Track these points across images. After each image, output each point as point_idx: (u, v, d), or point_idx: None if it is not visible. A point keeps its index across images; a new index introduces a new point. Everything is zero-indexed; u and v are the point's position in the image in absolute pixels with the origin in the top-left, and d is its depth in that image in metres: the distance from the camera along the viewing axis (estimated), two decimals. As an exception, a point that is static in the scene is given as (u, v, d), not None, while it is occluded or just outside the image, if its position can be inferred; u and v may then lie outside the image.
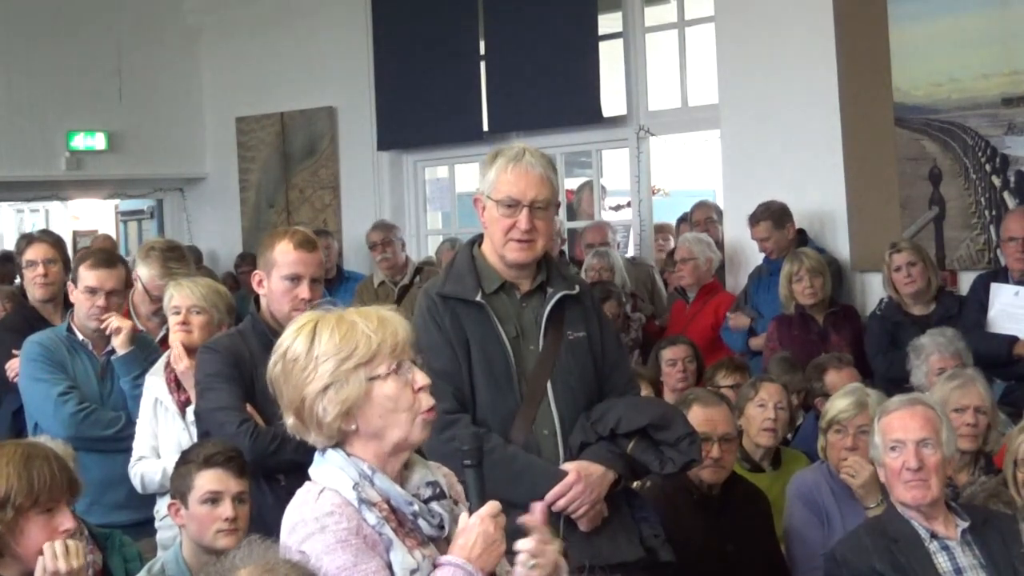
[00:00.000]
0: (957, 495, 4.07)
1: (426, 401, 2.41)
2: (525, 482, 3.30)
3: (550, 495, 3.31)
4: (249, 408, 3.65)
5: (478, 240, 3.58)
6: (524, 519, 2.50)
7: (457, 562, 2.35)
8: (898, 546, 3.58)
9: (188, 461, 3.56)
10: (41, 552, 2.82)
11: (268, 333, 3.74)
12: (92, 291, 4.60)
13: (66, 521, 2.86)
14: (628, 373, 3.73)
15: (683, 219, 8.57)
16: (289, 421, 2.44)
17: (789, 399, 5.02)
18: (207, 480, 3.48)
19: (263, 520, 3.34)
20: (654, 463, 3.43)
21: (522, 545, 2.44)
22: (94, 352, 4.66)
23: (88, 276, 4.62)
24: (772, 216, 6.85)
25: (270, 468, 3.57)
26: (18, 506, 2.81)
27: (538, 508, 2.57)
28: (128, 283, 4.82)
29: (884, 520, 3.74)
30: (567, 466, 3.36)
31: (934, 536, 3.60)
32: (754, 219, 6.90)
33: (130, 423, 4.43)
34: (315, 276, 3.84)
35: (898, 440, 3.65)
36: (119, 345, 4.58)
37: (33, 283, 5.28)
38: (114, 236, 12.54)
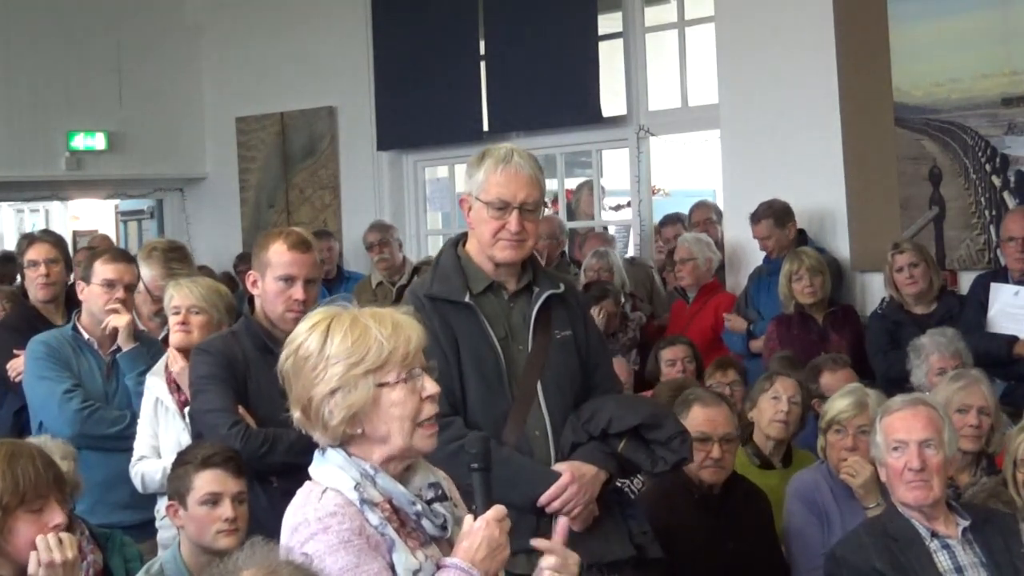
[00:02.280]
0: (959, 496, 4.07)
1: (429, 410, 2.40)
2: (520, 484, 3.28)
3: (544, 497, 3.31)
4: (241, 410, 3.66)
5: (461, 239, 3.56)
6: (540, 543, 2.50)
7: (462, 565, 2.34)
8: (898, 545, 3.57)
9: (185, 462, 3.55)
10: (34, 547, 2.83)
11: (262, 334, 3.74)
12: (111, 284, 4.61)
13: (56, 517, 2.87)
14: (611, 371, 3.73)
15: (666, 221, 8.45)
16: (296, 415, 2.43)
17: (803, 396, 4.98)
18: (206, 481, 3.48)
19: (257, 521, 3.34)
20: (646, 462, 3.43)
21: (545, 563, 2.46)
22: (99, 351, 4.66)
23: (106, 270, 4.63)
24: (774, 215, 6.85)
25: (262, 470, 3.57)
26: (5, 505, 2.82)
27: (559, 529, 2.58)
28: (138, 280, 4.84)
29: (884, 519, 3.73)
30: (560, 467, 3.36)
31: (935, 535, 3.60)
32: (755, 218, 6.90)
33: (134, 422, 4.42)
34: (309, 277, 3.82)
35: (901, 440, 3.65)
36: (122, 341, 4.60)
37: (35, 283, 5.29)
38: (114, 236, 12.55)
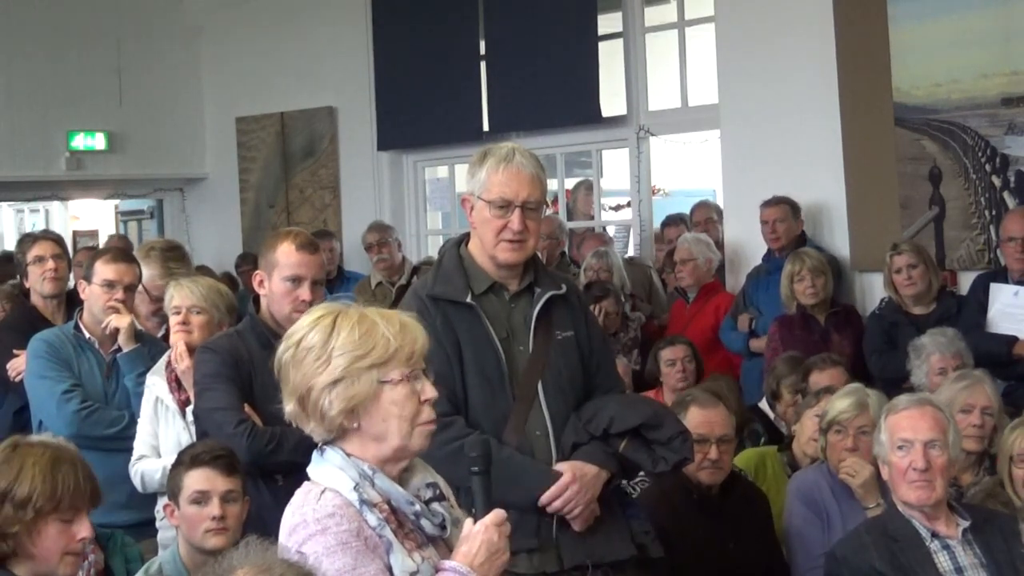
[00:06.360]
0: (961, 496, 4.07)
1: (428, 413, 2.41)
2: (521, 484, 3.29)
3: (546, 496, 3.32)
4: (247, 408, 3.66)
5: (464, 239, 3.56)
6: None
7: (460, 569, 2.35)
8: (899, 545, 3.58)
9: (179, 463, 3.58)
10: (57, 556, 2.80)
11: (267, 334, 3.74)
12: (110, 284, 4.62)
13: (83, 530, 2.84)
14: (614, 371, 3.73)
15: (669, 222, 8.42)
16: (289, 408, 2.43)
17: None
18: (194, 480, 3.50)
19: (261, 520, 3.34)
20: (647, 462, 3.44)
21: None
22: (100, 350, 4.67)
23: (107, 270, 4.64)
24: (788, 202, 6.87)
25: (267, 468, 3.58)
26: (39, 508, 2.78)
27: None
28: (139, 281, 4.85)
29: (885, 519, 3.74)
30: (562, 467, 3.36)
31: (935, 535, 3.60)
32: (769, 202, 6.89)
33: (133, 422, 4.43)
34: (316, 278, 3.84)
35: (906, 439, 3.65)
36: (123, 341, 4.60)
37: (43, 278, 5.30)
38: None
